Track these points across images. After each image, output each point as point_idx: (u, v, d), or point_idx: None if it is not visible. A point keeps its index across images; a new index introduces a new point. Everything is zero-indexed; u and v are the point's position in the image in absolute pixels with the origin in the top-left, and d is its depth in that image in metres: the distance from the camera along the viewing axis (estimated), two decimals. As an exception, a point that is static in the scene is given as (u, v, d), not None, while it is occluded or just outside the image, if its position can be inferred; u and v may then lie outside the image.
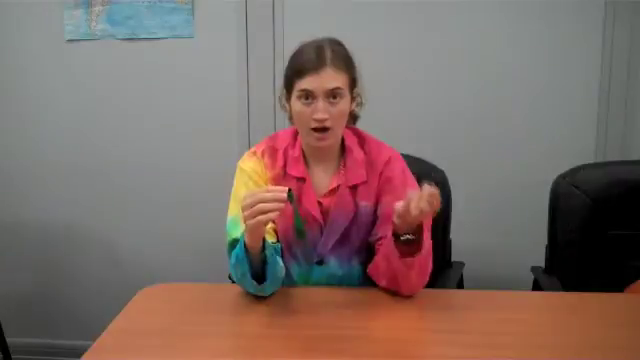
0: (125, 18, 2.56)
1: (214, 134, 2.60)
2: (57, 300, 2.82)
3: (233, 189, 1.72)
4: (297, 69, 1.59)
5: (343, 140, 1.71)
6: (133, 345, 1.42)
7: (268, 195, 1.42)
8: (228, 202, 1.72)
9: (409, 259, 1.52)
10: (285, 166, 1.69)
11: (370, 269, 1.66)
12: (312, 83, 1.57)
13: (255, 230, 1.47)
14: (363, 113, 1.74)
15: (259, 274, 1.55)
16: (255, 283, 1.54)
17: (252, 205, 1.42)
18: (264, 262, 1.54)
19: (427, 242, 1.55)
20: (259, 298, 1.59)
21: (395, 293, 1.60)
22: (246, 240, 1.50)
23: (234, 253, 1.56)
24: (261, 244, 1.51)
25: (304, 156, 1.70)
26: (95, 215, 2.73)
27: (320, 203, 1.68)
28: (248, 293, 1.61)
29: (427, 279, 1.61)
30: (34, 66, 2.64)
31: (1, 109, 2.70)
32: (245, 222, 1.45)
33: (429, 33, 2.45)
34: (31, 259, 2.80)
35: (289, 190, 1.43)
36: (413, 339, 1.47)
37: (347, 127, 1.72)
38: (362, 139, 1.73)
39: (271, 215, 1.41)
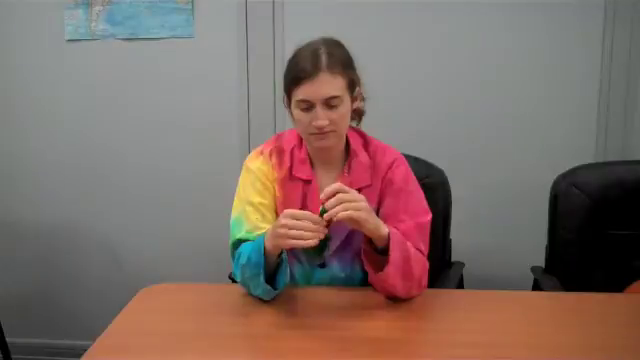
0: (125, 18, 2.55)
1: (214, 134, 2.60)
2: (57, 300, 2.82)
3: (238, 188, 1.71)
4: (293, 77, 1.57)
5: (348, 142, 1.70)
6: (133, 345, 1.43)
7: (312, 227, 1.43)
8: (229, 202, 1.72)
9: (379, 273, 1.55)
10: (292, 168, 1.69)
11: (369, 278, 1.66)
12: (308, 91, 1.55)
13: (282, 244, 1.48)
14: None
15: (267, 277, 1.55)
16: (268, 287, 1.54)
17: (292, 228, 1.43)
18: (276, 266, 1.55)
19: (411, 249, 1.57)
20: (260, 299, 1.59)
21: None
22: (267, 245, 1.50)
23: (246, 254, 1.55)
24: (280, 250, 1.52)
25: (309, 158, 1.70)
26: (95, 215, 2.73)
27: None
28: (249, 294, 1.61)
29: (421, 282, 1.61)
30: (34, 66, 2.64)
31: (1, 109, 2.70)
32: (276, 237, 1.46)
33: (429, 33, 2.44)
34: (31, 259, 2.79)
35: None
36: (413, 339, 1.47)
37: (352, 129, 1.71)
38: (367, 142, 1.73)
39: (304, 244, 1.42)
